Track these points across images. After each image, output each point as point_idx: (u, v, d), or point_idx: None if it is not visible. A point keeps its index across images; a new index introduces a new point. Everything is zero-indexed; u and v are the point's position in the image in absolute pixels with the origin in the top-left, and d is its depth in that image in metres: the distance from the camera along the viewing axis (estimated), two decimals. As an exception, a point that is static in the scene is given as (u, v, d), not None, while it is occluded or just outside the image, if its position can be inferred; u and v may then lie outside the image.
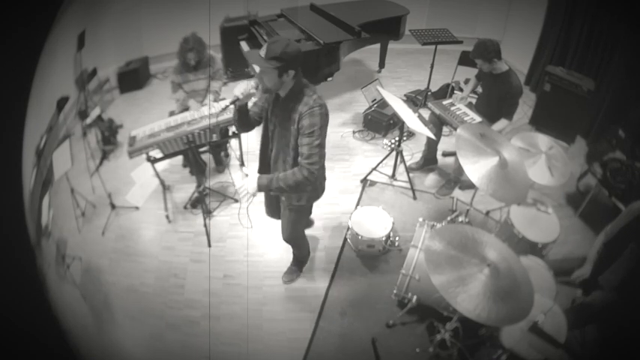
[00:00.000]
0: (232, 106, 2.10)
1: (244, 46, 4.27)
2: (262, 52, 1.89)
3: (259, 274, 2.82)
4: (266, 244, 3.01)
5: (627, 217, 2.29)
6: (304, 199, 2.27)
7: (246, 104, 2.13)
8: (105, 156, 3.31)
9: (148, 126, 3.09)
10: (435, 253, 1.92)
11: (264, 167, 2.31)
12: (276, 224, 3.18)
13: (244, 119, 2.19)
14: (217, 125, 3.08)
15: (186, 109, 3.30)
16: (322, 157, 2.05)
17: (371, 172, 3.55)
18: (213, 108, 3.18)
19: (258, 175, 2.03)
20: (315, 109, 1.95)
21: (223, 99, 3.37)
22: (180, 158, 3.50)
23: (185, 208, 3.26)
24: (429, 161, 3.68)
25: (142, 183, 3.32)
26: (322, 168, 2.18)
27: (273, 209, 2.51)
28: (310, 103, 1.96)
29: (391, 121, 4.05)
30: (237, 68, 4.57)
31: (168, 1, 4.29)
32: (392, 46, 4.89)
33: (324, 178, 2.33)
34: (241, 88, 2.02)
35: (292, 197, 2.25)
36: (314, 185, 2.16)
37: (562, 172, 2.63)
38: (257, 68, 2.03)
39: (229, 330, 2.55)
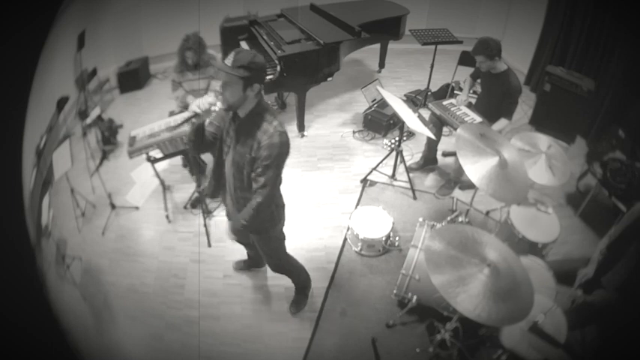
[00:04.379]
0: (190, 122, 1.91)
1: (244, 46, 4.27)
2: (229, 60, 1.76)
3: (259, 274, 2.82)
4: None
5: (630, 218, 2.29)
6: (264, 228, 2.17)
7: (204, 123, 1.96)
8: (105, 156, 3.30)
9: (147, 126, 3.10)
10: (435, 253, 1.92)
11: (218, 190, 2.24)
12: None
13: (200, 139, 2.00)
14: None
15: (185, 107, 3.30)
16: (277, 185, 2.03)
17: (371, 172, 3.54)
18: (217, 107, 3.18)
19: (229, 221, 2.02)
20: (274, 138, 1.83)
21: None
22: (180, 158, 3.49)
23: (185, 208, 3.26)
24: (429, 161, 3.68)
25: (142, 183, 3.32)
26: (278, 196, 2.12)
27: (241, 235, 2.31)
28: (270, 131, 1.83)
29: (391, 121, 4.05)
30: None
31: (168, 1, 4.29)
32: (392, 46, 4.88)
33: (282, 206, 2.19)
34: (199, 102, 1.85)
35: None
36: (269, 209, 2.07)
37: (562, 172, 2.64)
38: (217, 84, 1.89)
39: (229, 330, 2.55)
